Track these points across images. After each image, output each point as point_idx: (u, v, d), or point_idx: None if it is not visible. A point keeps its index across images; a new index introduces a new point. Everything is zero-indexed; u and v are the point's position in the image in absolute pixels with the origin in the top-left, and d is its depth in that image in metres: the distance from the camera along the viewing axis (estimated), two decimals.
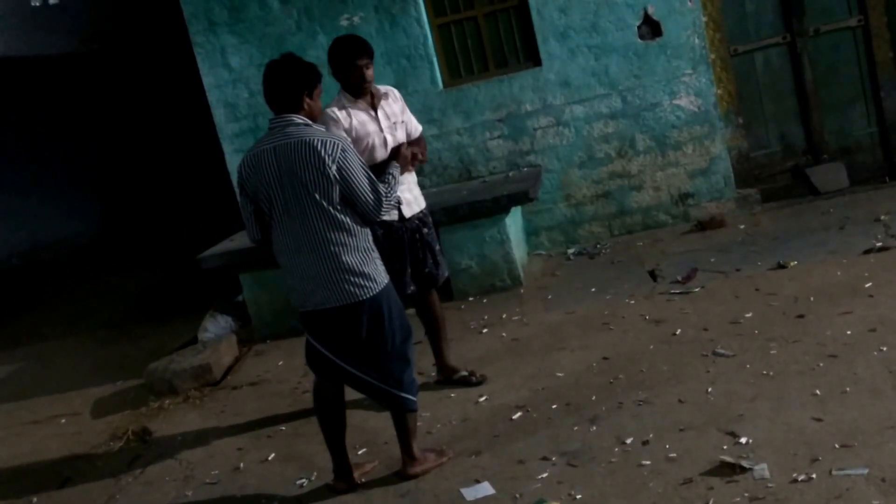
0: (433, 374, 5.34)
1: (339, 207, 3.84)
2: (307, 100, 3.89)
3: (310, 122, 3.91)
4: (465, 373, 5.14)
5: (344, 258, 3.86)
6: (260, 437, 5.07)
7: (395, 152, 4.52)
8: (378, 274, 3.96)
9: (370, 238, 4.00)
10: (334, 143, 3.82)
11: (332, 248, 3.85)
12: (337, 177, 3.79)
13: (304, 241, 3.87)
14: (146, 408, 6.01)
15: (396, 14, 7.67)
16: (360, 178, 3.84)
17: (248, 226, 4.08)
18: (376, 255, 4.01)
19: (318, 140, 3.80)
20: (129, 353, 7.45)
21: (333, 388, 4.15)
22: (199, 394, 6.07)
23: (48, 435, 5.98)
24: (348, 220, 3.87)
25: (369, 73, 4.63)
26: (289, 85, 3.86)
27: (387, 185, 3.99)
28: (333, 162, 3.78)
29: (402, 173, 4.28)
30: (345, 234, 3.86)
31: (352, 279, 3.87)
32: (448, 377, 5.17)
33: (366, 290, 3.90)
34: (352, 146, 3.97)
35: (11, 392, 7.20)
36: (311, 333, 4.05)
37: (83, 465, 5.29)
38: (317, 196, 3.80)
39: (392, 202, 4.05)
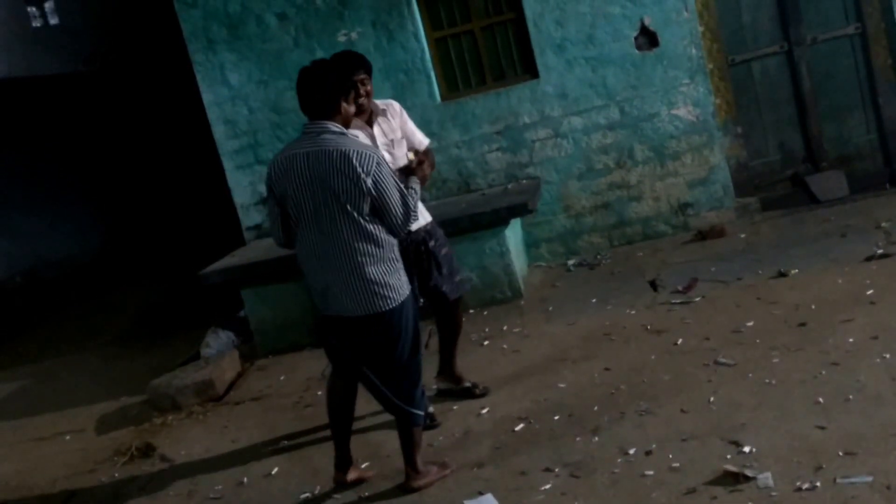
0: (434, 386, 5.34)
1: (367, 218, 3.87)
2: (344, 105, 3.93)
3: (344, 130, 3.94)
4: (468, 384, 5.13)
5: (369, 268, 3.89)
6: (263, 451, 5.07)
7: (412, 168, 4.41)
8: (401, 286, 4.00)
9: (396, 250, 4.02)
10: (370, 155, 3.84)
11: (358, 258, 3.88)
12: (372, 190, 3.81)
13: (331, 249, 3.90)
14: (150, 424, 6.01)
15: (394, 29, 7.70)
16: (393, 192, 3.87)
17: (273, 228, 4.13)
18: (400, 265, 4.04)
19: (353, 151, 3.81)
20: (132, 369, 7.45)
21: (347, 385, 4.26)
22: (202, 409, 6.07)
23: (52, 451, 5.98)
24: (376, 230, 3.90)
25: (367, 88, 4.59)
26: (328, 91, 3.88)
27: (412, 200, 4.01)
28: (368, 175, 3.79)
29: (422, 187, 4.29)
30: (372, 244, 3.90)
31: (376, 290, 3.91)
32: (454, 384, 5.16)
33: (388, 302, 3.93)
34: (385, 159, 3.98)
35: (16, 409, 7.20)
36: (330, 335, 4.11)
37: (87, 481, 5.29)
38: (348, 206, 3.82)
39: (416, 216, 4.08)
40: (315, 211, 3.88)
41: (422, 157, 4.53)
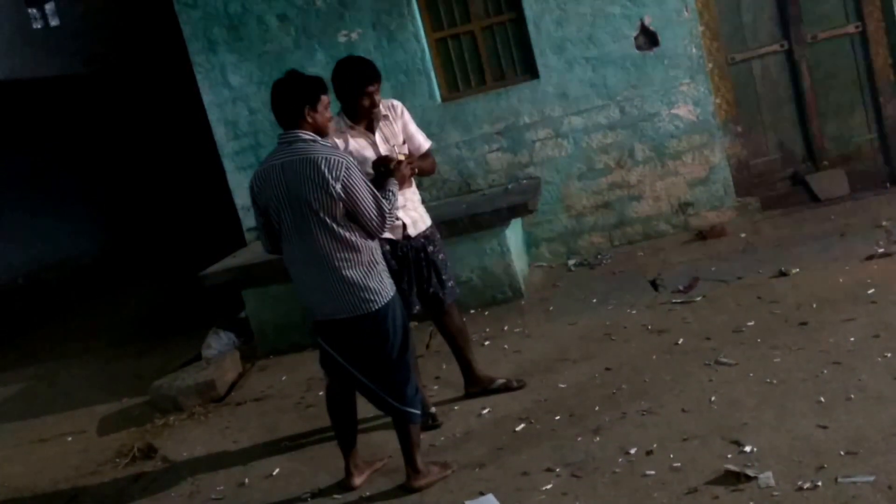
0: (435, 387, 5.35)
1: (342, 224, 3.90)
2: (311, 113, 3.94)
3: (317, 137, 3.96)
4: (501, 381, 5.08)
5: (347, 272, 3.92)
6: (264, 452, 5.07)
7: (391, 166, 4.39)
8: (383, 287, 4.02)
9: (375, 252, 4.04)
10: (338, 161, 3.87)
11: (335, 263, 3.92)
12: (342, 195, 3.84)
13: (310, 255, 3.95)
14: (151, 425, 6.02)
15: (394, 30, 7.70)
16: (365, 196, 3.90)
17: (262, 237, 4.23)
18: (382, 267, 4.06)
19: (322, 158, 3.84)
20: (133, 370, 7.46)
21: (344, 391, 4.27)
22: (203, 410, 6.08)
23: (55, 453, 5.98)
24: (352, 236, 3.93)
25: (378, 98, 4.55)
26: (290, 100, 3.92)
27: (388, 202, 4.03)
28: (337, 181, 3.82)
29: (400, 189, 4.29)
30: (348, 249, 3.93)
31: (356, 293, 3.94)
32: (485, 388, 5.08)
33: (370, 304, 3.96)
34: (355, 164, 3.99)
35: (18, 410, 7.21)
36: (322, 339, 4.14)
37: (89, 482, 5.29)
38: (321, 213, 3.87)
39: (393, 218, 4.08)
40: (293, 219, 3.93)
41: (401, 157, 4.45)
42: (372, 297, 3.96)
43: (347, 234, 3.91)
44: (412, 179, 4.68)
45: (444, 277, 4.84)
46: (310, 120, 3.94)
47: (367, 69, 4.52)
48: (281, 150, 3.95)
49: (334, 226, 3.88)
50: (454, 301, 4.97)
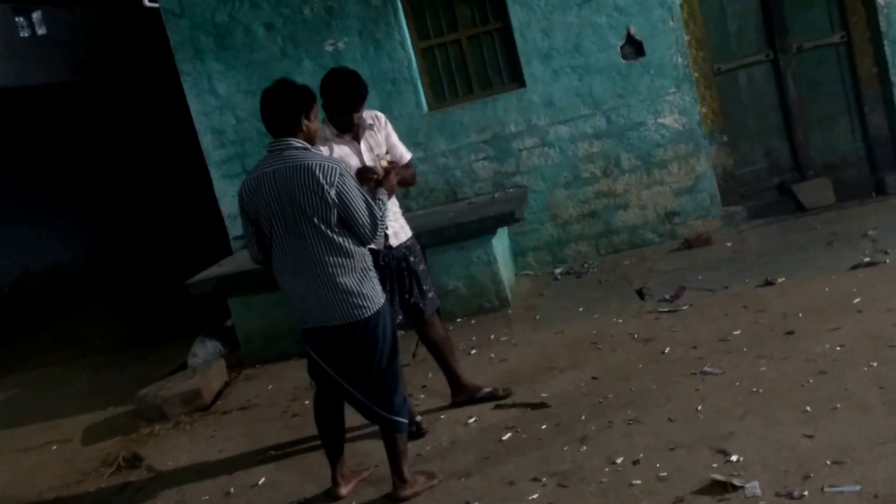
0: (421, 396, 5.34)
1: (336, 230, 3.90)
2: (305, 122, 3.95)
3: (308, 145, 3.97)
4: (487, 390, 5.07)
5: (341, 279, 3.92)
6: (250, 461, 5.05)
7: (379, 179, 4.43)
8: (375, 294, 4.02)
9: (368, 259, 4.05)
10: (332, 167, 3.87)
11: (329, 270, 3.92)
12: (336, 201, 3.84)
13: (303, 263, 3.94)
14: (137, 434, 5.99)
15: (381, 38, 7.70)
16: (358, 202, 3.90)
17: (249, 246, 4.18)
18: (373, 275, 4.06)
19: (316, 165, 3.85)
20: (119, 379, 7.43)
21: (332, 400, 4.26)
22: (189, 419, 6.05)
23: (39, 462, 5.95)
24: (345, 242, 3.93)
25: (359, 115, 4.57)
26: (286, 109, 3.92)
27: (379, 210, 4.03)
28: (332, 186, 3.83)
29: (388, 198, 4.31)
30: (342, 255, 3.93)
31: (349, 299, 3.94)
32: (471, 396, 5.08)
33: (363, 311, 3.96)
34: (348, 170, 4.00)
35: (2, 419, 7.16)
36: (311, 348, 4.12)
37: (74, 492, 5.27)
38: (315, 220, 3.86)
39: (385, 227, 4.09)
40: (286, 227, 3.92)
41: (389, 166, 4.50)
42: (364, 304, 3.95)
43: (341, 240, 3.91)
44: (395, 191, 4.69)
45: (424, 288, 4.85)
46: (304, 128, 3.95)
47: (359, 88, 4.50)
48: (272, 158, 3.94)
49: (328, 231, 3.88)
50: (435, 312, 4.97)
